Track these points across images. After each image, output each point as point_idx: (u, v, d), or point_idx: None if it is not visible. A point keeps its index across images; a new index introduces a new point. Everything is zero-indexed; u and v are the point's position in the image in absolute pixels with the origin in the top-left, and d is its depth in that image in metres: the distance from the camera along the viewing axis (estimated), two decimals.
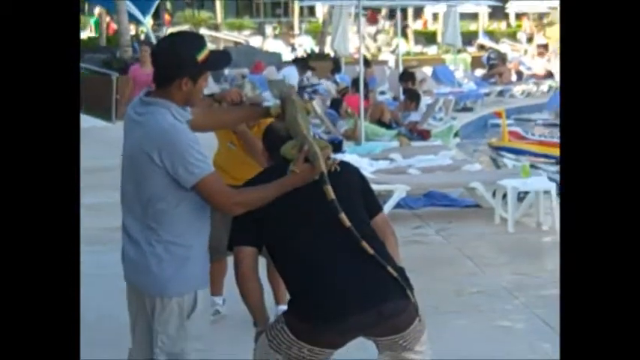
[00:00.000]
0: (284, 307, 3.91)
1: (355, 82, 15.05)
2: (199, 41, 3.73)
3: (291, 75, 15.98)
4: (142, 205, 3.65)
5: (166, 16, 42.54)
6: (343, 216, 3.62)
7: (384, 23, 43.05)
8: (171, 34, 4.01)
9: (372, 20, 42.75)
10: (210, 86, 11.37)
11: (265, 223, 3.78)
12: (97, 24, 32.87)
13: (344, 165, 4.00)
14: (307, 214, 3.75)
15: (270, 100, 4.92)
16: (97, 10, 32.72)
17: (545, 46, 32.24)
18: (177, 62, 3.62)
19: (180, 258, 3.66)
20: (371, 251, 3.61)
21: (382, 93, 18.67)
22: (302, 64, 15.77)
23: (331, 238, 3.68)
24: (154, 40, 25.21)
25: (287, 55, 28.85)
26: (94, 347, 4.63)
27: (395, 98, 16.21)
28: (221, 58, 3.90)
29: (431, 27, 41.43)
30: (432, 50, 35.17)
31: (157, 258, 3.65)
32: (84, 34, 34.35)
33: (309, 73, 18.66)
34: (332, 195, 3.63)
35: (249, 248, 3.82)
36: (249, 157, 5.33)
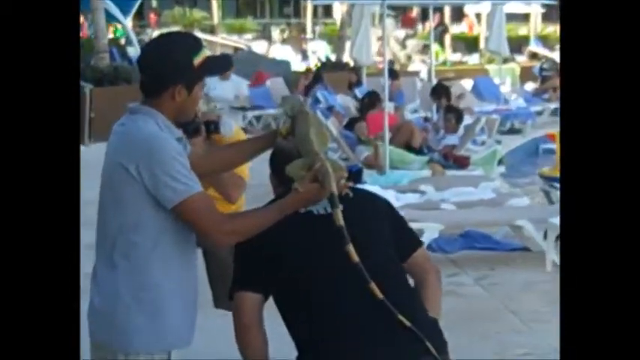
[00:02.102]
0: None
1: (370, 95, 14.95)
2: (195, 43, 3.75)
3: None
4: (111, 238, 3.64)
5: (152, 16, 42.85)
6: (351, 248, 3.60)
7: (416, 26, 42.86)
8: (162, 35, 3.99)
9: (409, 23, 42.42)
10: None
11: (272, 265, 3.80)
12: None
13: (364, 192, 4.05)
14: (315, 249, 3.78)
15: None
16: None
17: None
18: (170, 67, 3.64)
19: (151, 307, 3.64)
20: (380, 296, 3.61)
21: (415, 111, 18.67)
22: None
23: (342, 279, 3.69)
24: (136, 45, 25.37)
25: (297, 65, 28.95)
26: None
27: (426, 119, 16.05)
28: (220, 63, 3.95)
29: (475, 31, 41.25)
30: (473, 59, 35.25)
31: (123, 306, 3.63)
32: None
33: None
34: (340, 221, 3.61)
35: (252, 295, 3.84)
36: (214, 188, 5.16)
